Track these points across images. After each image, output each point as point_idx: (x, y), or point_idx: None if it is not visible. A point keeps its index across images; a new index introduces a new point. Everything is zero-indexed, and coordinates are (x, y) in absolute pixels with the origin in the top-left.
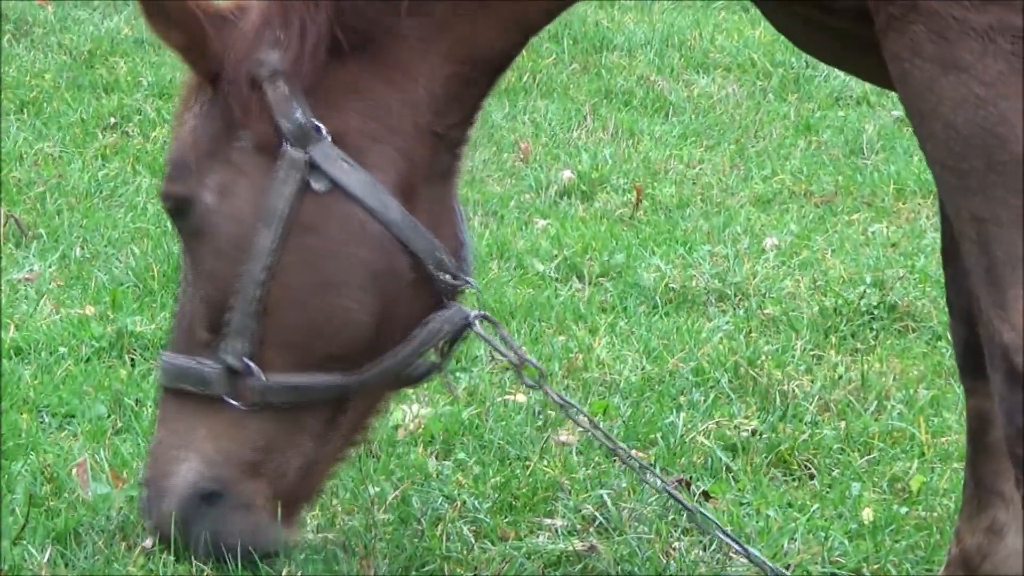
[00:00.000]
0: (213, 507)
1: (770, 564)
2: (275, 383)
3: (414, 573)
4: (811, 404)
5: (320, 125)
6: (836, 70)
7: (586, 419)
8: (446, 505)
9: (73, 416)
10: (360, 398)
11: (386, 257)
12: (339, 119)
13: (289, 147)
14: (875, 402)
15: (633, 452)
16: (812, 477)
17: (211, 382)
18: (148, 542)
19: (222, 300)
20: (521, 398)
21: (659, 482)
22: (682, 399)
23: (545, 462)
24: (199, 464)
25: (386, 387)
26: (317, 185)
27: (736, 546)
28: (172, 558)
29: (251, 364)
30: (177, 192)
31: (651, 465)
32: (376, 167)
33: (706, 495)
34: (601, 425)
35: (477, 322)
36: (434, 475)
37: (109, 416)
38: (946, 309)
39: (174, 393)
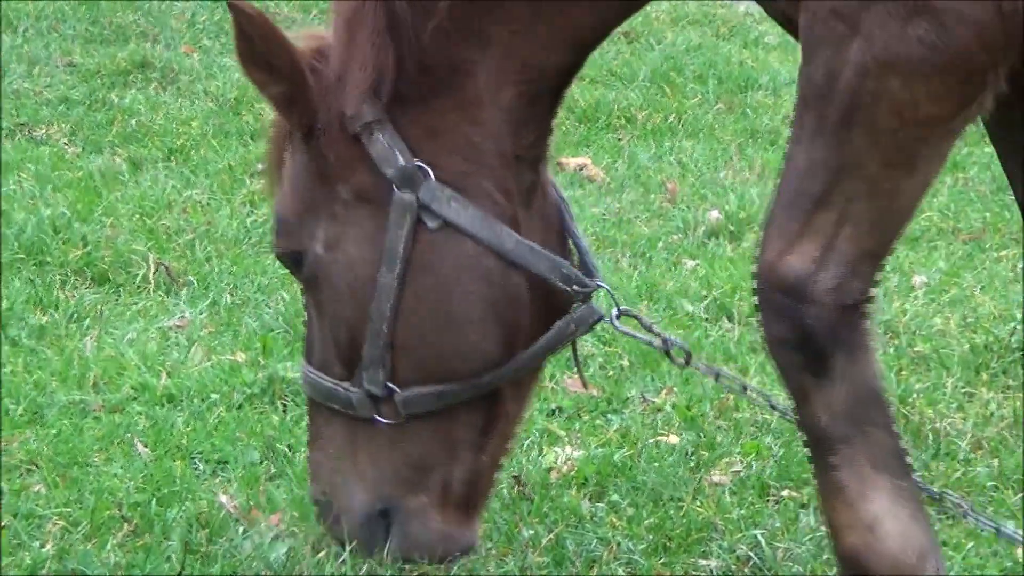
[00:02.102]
0: (388, 522)
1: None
2: (414, 394)
3: None
4: (964, 441)
5: (425, 166)
6: None
7: (741, 386)
8: (600, 547)
9: (226, 462)
10: (505, 400)
11: (504, 288)
12: (431, 160)
13: (397, 191)
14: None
15: (785, 492)
16: (966, 516)
17: (355, 406)
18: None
19: (351, 339)
20: (673, 439)
21: None
22: None
23: (698, 502)
24: (364, 484)
25: (532, 377)
26: (431, 224)
27: None
28: None
29: (391, 386)
30: (288, 247)
31: (805, 505)
32: (477, 200)
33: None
34: (753, 466)
35: (615, 318)
36: (588, 517)
37: (262, 462)
38: None
39: (321, 406)
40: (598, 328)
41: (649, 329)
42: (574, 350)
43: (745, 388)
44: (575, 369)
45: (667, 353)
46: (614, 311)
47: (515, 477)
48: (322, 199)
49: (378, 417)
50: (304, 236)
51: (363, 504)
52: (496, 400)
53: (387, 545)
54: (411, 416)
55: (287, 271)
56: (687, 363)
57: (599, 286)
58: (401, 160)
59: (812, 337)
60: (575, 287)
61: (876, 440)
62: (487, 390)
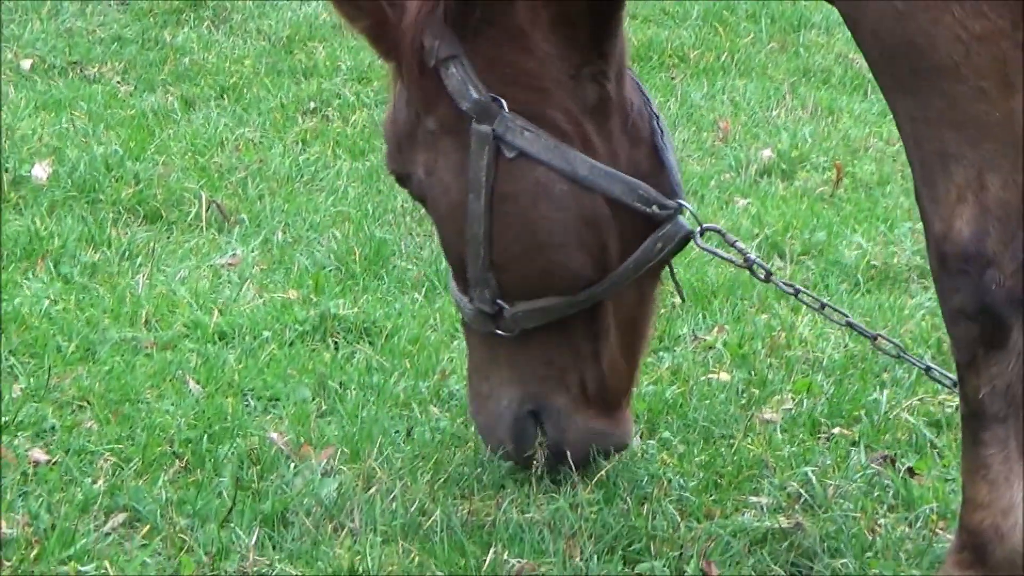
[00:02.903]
0: (539, 423)
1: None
2: (522, 310)
3: (620, 552)
4: None
5: (499, 98)
6: None
7: (814, 300)
8: (651, 484)
9: (278, 399)
10: (622, 300)
11: (582, 212)
12: (499, 92)
13: (475, 123)
14: None
15: (836, 429)
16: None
17: (477, 321)
18: (355, 523)
19: (459, 259)
20: (725, 376)
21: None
22: (885, 376)
23: (749, 440)
24: (511, 388)
25: (643, 284)
26: (508, 154)
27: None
28: (378, 539)
29: (500, 303)
30: (395, 169)
31: (856, 442)
32: (545, 127)
33: (911, 471)
34: (804, 403)
35: (698, 236)
36: (639, 454)
37: (313, 399)
38: None
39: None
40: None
41: (732, 245)
42: (670, 269)
43: (823, 306)
44: (674, 289)
45: (749, 269)
46: (697, 229)
47: None
48: (417, 128)
49: (498, 331)
50: (407, 160)
51: (512, 404)
52: (604, 310)
53: (540, 441)
54: (525, 330)
55: (342, 210)
56: (767, 279)
57: (680, 206)
58: (475, 93)
59: (991, 303)
60: (655, 208)
61: None
62: (589, 305)
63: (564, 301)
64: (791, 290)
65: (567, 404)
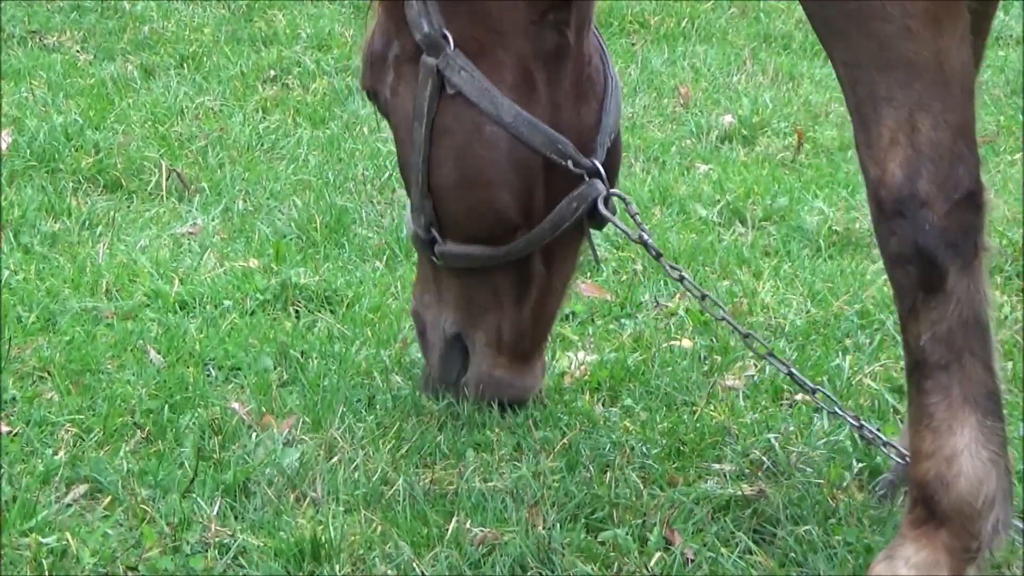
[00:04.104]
0: (462, 349)
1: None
2: (449, 250)
3: (583, 520)
4: None
5: (447, 33)
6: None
7: (696, 289)
8: (614, 451)
9: (239, 369)
10: (536, 267)
11: (508, 154)
12: (454, 27)
13: (425, 55)
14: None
15: (799, 396)
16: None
17: (419, 246)
18: (318, 492)
19: (406, 178)
20: (687, 343)
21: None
22: (848, 342)
23: (712, 407)
24: (443, 309)
25: (566, 246)
26: (448, 90)
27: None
28: (341, 508)
29: (434, 233)
30: (367, 86)
31: (819, 409)
32: (490, 68)
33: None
34: (767, 370)
35: (601, 201)
36: (601, 422)
37: (275, 368)
38: None
39: None
40: (612, 233)
41: (633, 217)
42: (588, 235)
43: (703, 297)
44: (592, 257)
45: (644, 244)
46: (603, 193)
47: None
48: (387, 52)
49: (433, 259)
50: (377, 80)
51: (443, 322)
52: (527, 267)
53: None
54: (449, 266)
55: (302, 178)
56: (658, 258)
57: (589, 167)
58: (426, 27)
59: (925, 244)
60: (570, 164)
61: (973, 373)
62: (511, 259)
63: (487, 253)
64: (676, 274)
65: (484, 343)
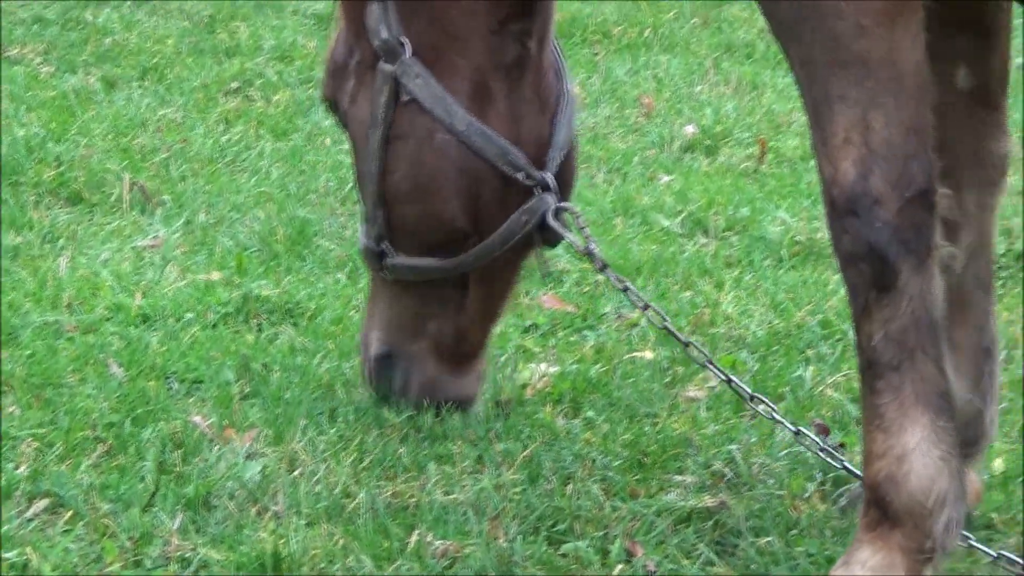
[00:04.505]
0: (391, 366)
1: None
2: (398, 262)
3: (544, 532)
4: None
5: (404, 40)
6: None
7: (639, 299)
8: (575, 463)
9: (201, 382)
10: (488, 273)
11: (460, 163)
12: (416, 35)
13: (382, 62)
14: (1003, 351)
15: (760, 407)
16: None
17: (369, 259)
18: (279, 506)
19: (362, 191)
20: (648, 355)
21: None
22: (810, 352)
23: (674, 418)
24: (378, 332)
25: (509, 261)
26: (403, 97)
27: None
28: (302, 521)
29: (384, 246)
30: (327, 95)
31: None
32: (447, 76)
33: (842, 446)
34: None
35: (551, 214)
36: (563, 434)
37: (237, 381)
38: None
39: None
40: (571, 244)
41: (581, 230)
42: (539, 249)
43: (647, 307)
44: (543, 272)
45: (589, 255)
46: (552, 206)
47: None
48: (348, 60)
49: (381, 274)
50: (338, 88)
51: (377, 346)
52: (472, 278)
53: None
54: (399, 279)
55: (264, 190)
56: (603, 270)
57: (540, 181)
58: (384, 33)
59: (877, 242)
60: (521, 176)
61: (924, 373)
62: (459, 273)
63: (437, 265)
64: (621, 285)
65: (420, 351)
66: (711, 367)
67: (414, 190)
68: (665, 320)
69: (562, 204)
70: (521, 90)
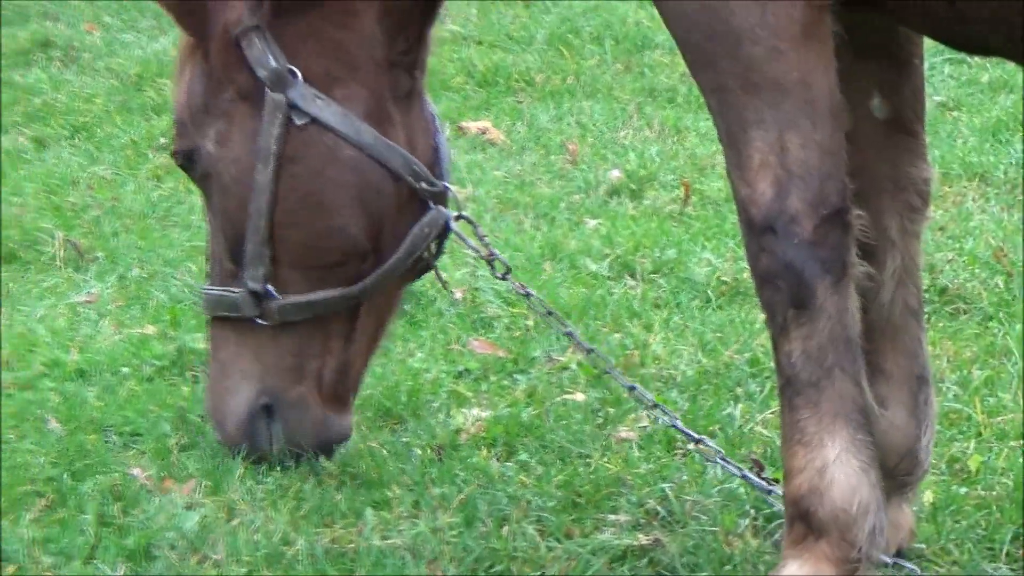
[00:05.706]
0: (272, 416)
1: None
2: (291, 302)
3: (482, 574)
4: None
5: (294, 69)
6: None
7: (542, 305)
8: (511, 506)
9: (139, 434)
10: (375, 300)
11: (365, 176)
12: (305, 64)
13: (270, 92)
14: None
15: (692, 445)
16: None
17: (240, 307)
18: (219, 554)
19: (237, 233)
20: (580, 397)
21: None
22: (739, 390)
23: (606, 459)
24: (249, 382)
25: (393, 287)
26: (299, 121)
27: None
28: (243, 569)
29: (269, 287)
30: (183, 147)
31: (711, 458)
32: (344, 100)
33: (775, 481)
34: (659, 420)
35: (453, 221)
36: (497, 477)
37: (174, 433)
38: (996, 290)
39: (217, 321)
40: (504, 290)
41: (481, 239)
42: (436, 270)
43: (549, 313)
44: (443, 286)
45: (490, 264)
46: (452, 215)
47: (433, 448)
48: (213, 101)
49: (259, 320)
50: (197, 134)
51: (248, 401)
52: (361, 308)
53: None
54: (286, 321)
55: (196, 244)
56: (505, 277)
57: (444, 187)
58: (273, 63)
59: (793, 260)
60: (424, 184)
61: (842, 388)
62: (355, 300)
63: (338, 295)
64: (524, 291)
65: (301, 395)
66: (661, 408)
67: (314, 210)
68: (567, 327)
69: (462, 214)
70: (412, 119)
